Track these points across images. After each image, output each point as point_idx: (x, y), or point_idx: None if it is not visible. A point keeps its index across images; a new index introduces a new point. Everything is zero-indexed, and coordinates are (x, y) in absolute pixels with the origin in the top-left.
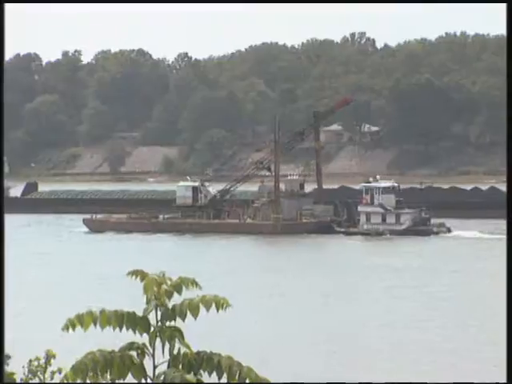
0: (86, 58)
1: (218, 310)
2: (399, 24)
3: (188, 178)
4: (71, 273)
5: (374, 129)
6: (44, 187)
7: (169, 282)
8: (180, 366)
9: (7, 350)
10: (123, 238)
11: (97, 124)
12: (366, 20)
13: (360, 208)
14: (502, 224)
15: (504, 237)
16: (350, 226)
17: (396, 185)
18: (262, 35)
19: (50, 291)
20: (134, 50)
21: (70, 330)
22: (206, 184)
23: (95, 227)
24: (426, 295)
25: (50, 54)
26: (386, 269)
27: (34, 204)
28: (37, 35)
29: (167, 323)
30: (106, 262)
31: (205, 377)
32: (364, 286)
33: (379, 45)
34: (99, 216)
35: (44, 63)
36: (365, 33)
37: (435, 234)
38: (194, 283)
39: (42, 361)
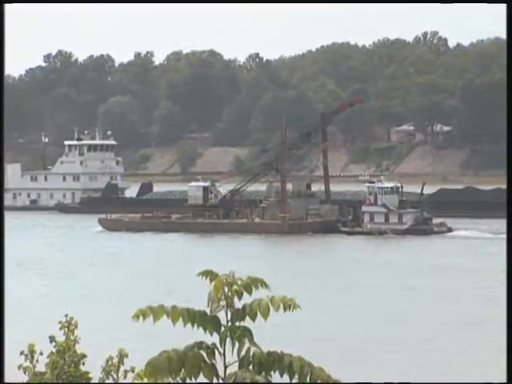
0: (158, 59)
1: (285, 311)
2: (472, 23)
3: (199, 177)
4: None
5: (446, 129)
6: (156, 187)
7: (239, 282)
8: (251, 367)
9: (83, 349)
10: (137, 237)
11: (168, 125)
12: (439, 19)
13: (364, 208)
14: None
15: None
16: (355, 226)
17: (399, 185)
18: (333, 35)
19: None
20: (205, 51)
21: (141, 319)
22: (217, 184)
23: (109, 226)
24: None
25: (122, 55)
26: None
27: (149, 204)
28: (110, 36)
29: (237, 323)
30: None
31: (276, 377)
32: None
33: (451, 44)
34: (113, 215)
35: (117, 64)
36: (437, 32)
37: (436, 234)
38: (263, 284)
39: (115, 360)
